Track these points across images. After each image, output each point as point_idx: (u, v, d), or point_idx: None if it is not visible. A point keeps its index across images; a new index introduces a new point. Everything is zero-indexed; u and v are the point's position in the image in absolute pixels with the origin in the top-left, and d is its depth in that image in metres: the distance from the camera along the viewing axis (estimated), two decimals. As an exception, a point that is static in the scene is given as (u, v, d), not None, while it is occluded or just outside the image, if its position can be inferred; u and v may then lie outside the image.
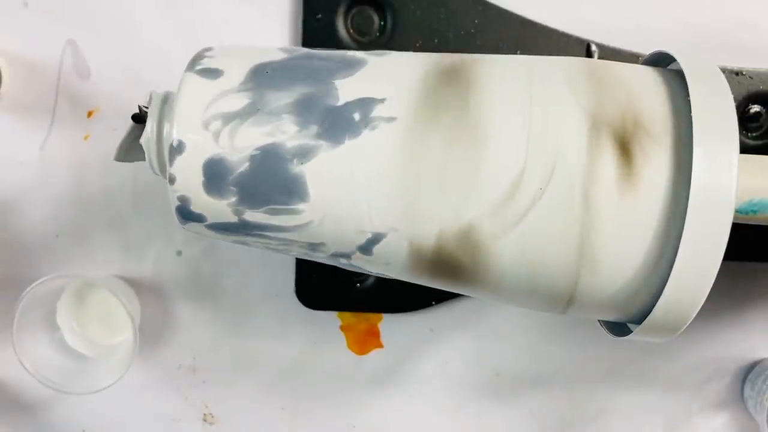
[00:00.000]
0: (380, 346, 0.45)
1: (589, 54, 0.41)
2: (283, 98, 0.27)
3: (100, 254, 0.44)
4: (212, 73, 0.28)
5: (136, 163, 0.32)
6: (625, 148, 0.26)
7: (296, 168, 0.27)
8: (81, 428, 0.46)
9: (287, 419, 0.46)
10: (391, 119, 0.27)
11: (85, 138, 0.43)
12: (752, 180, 0.29)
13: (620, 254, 0.27)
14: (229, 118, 0.27)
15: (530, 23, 0.41)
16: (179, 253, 0.44)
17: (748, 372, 0.45)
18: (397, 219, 0.28)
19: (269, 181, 0.28)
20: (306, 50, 0.30)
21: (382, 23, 0.42)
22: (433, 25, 0.41)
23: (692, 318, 0.28)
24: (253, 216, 0.28)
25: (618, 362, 0.45)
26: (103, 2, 0.42)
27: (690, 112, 0.27)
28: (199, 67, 0.29)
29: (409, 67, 0.28)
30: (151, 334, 0.45)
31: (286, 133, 0.27)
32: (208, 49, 0.30)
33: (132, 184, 0.43)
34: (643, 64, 0.32)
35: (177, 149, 0.28)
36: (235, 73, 0.28)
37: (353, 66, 0.28)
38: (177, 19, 0.42)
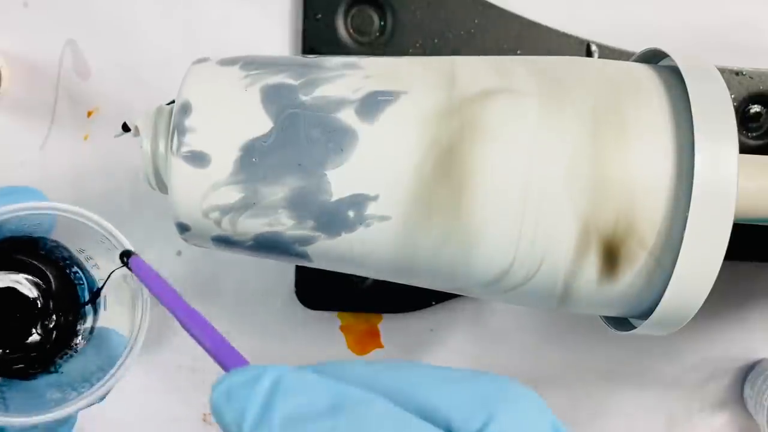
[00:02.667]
0: (380, 346, 0.45)
1: (589, 54, 0.41)
2: (276, 193, 0.28)
3: (100, 254, 0.44)
4: (199, 160, 0.28)
5: (135, 163, 0.32)
6: (611, 252, 0.27)
7: (299, 248, 0.29)
8: (80, 427, 0.46)
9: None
10: (384, 218, 0.28)
11: (85, 138, 0.43)
12: (752, 180, 0.29)
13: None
14: (226, 210, 0.28)
15: (530, 23, 0.41)
16: (179, 253, 0.44)
17: (748, 372, 0.45)
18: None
19: (275, 253, 0.30)
20: (291, 112, 0.28)
21: (382, 23, 0.42)
22: (433, 25, 0.41)
23: (696, 311, 0.28)
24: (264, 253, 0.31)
25: (618, 362, 0.45)
26: (103, 2, 0.42)
27: (687, 109, 0.27)
28: (185, 150, 0.28)
29: (401, 151, 0.27)
30: (151, 334, 0.45)
31: (285, 225, 0.28)
32: (186, 110, 0.28)
33: (132, 184, 0.43)
34: (636, 60, 0.32)
35: (183, 227, 0.30)
36: (222, 160, 0.28)
37: (345, 149, 0.27)
38: (177, 19, 0.42)
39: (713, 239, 0.26)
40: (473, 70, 0.29)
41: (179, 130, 0.28)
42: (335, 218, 0.28)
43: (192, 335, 0.23)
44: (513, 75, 0.28)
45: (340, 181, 0.28)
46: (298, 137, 0.28)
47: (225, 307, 0.44)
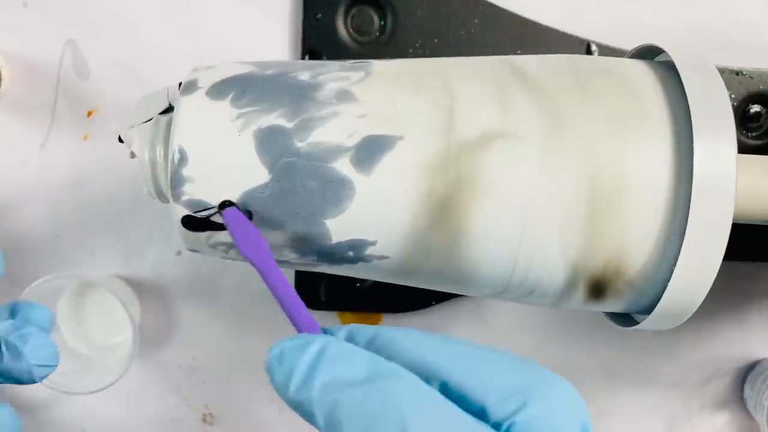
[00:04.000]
0: (380, 346, 0.45)
1: (589, 53, 0.41)
2: (278, 236, 0.29)
3: (100, 254, 0.44)
4: (200, 206, 0.28)
5: (136, 163, 0.32)
6: (598, 288, 0.29)
7: (304, 268, 0.31)
8: (80, 428, 0.46)
9: (287, 419, 0.46)
10: (383, 257, 0.29)
11: (85, 138, 0.43)
12: (752, 180, 0.29)
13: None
14: (231, 245, 0.29)
15: (530, 23, 0.41)
16: (179, 253, 0.44)
17: (748, 372, 0.45)
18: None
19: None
20: (286, 161, 0.27)
21: (382, 23, 0.42)
22: (433, 25, 0.41)
23: (699, 304, 0.28)
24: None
25: (618, 362, 0.45)
26: (103, 2, 0.42)
27: (684, 105, 0.27)
28: (185, 198, 0.28)
29: (398, 202, 0.28)
30: (151, 334, 0.45)
31: (289, 257, 0.30)
32: (183, 159, 0.27)
33: (132, 184, 0.43)
34: (631, 56, 0.32)
35: (191, 250, 0.31)
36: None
37: (342, 200, 0.28)
38: (177, 19, 0.42)
39: (715, 232, 0.26)
40: (474, 105, 0.28)
41: (177, 180, 0.28)
42: (336, 255, 0.29)
43: (274, 295, 0.25)
44: (515, 112, 0.27)
45: (339, 228, 0.28)
46: (295, 188, 0.27)
47: (225, 307, 0.44)
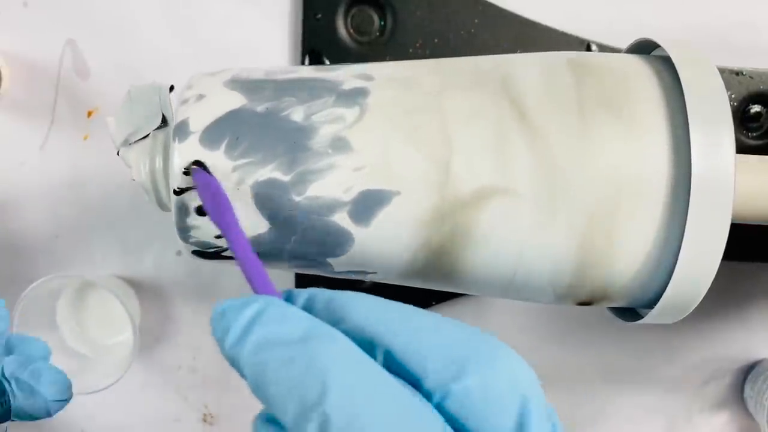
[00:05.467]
0: (380, 346, 0.45)
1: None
2: (282, 267, 0.30)
3: (100, 254, 0.44)
4: (207, 247, 0.30)
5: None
6: (587, 303, 0.30)
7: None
8: (80, 428, 0.46)
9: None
10: (384, 280, 0.31)
11: (85, 138, 0.43)
12: (752, 180, 0.29)
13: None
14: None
15: (530, 23, 0.41)
16: (179, 253, 0.44)
17: (748, 372, 0.45)
18: None
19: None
20: (287, 215, 0.28)
21: (382, 23, 0.42)
22: (433, 25, 0.41)
23: (701, 298, 0.28)
24: None
25: (618, 362, 0.45)
26: (103, 2, 0.42)
27: (681, 99, 0.27)
28: (192, 241, 0.29)
29: (395, 251, 0.29)
30: (151, 334, 0.45)
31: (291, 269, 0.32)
32: (185, 212, 0.28)
33: (132, 184, 0.43)
34: (628, 51, 0.32)
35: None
36: (227, 248, 0.30)
37: (341, 247, 0.29)
38: (177, 19, 0.42)
39: (716, 223, 0.26)
40: (471, 158, 0.27)
41: (183, 228, 0.29)
42: (339, 277, 0.31)
43: (236, 257, 0.25)
44: (513, 165, 0.27)
45: (340, 263, 0.29)
46: (296, 236, 0.28)
47: (225, 307, 0.44)
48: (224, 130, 0.28)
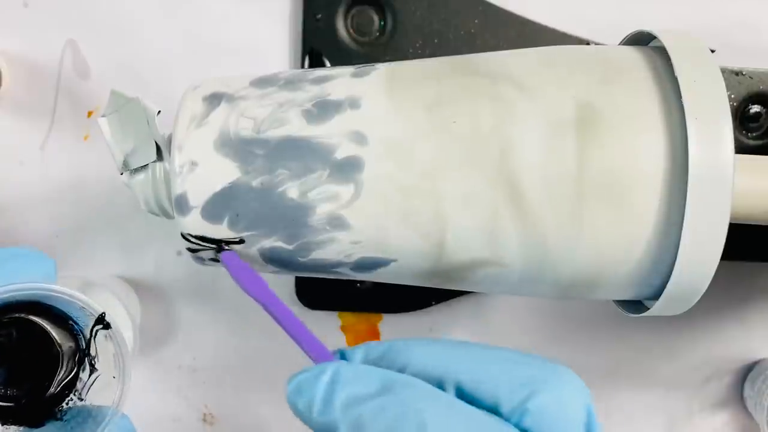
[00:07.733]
0: (380, 346, 0.45)
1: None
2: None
3: (100, 254, 0.44)
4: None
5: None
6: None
7: None
8: (81, 428, 0.46)
9: (287, 419, 0.46)
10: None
11: (85, 138, 0.43)
12: (752, 180, 0.29)
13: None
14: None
15: (530, 23, 0.41)
16: (179, 253, 0.44)
17: (748, 372, 0.45)
18: None
19: None
20: (294, 269, 0.31)
21: (382, 23, 0.42)
22: (433, 25, 0.41)
23: (707, 285, 0.28)
24: None
25: (618, 362, 0.45)
26: (104, 2, 0.42)
27: (677, 91, 0.27)
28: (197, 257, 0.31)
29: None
30: (151, 334, 0.45)
31: None
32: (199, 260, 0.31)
33: (132, 184, 0.43)
34: (625, 43, 0.32)
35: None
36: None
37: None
38: (177, 19, 0.42)
39: (716, 213, 0.26)
40: (464, 238, 0.28)
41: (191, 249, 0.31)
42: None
43: (287, 332, 0.27)
44: (504, 245, 0.28)
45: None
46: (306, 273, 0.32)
47: (225, 308, 0.44)
48: (224, 206, 0.29)
